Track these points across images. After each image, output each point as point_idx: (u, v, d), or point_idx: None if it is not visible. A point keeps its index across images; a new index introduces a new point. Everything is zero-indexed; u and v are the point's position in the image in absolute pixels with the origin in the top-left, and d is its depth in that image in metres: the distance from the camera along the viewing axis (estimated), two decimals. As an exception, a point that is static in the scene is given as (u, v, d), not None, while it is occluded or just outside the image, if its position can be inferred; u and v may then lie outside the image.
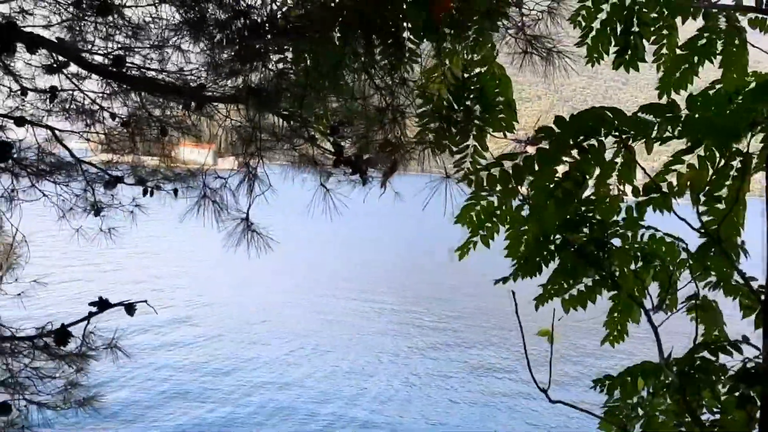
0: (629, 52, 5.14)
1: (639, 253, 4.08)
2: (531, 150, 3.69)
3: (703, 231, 3.47)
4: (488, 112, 5.15)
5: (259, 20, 4.54)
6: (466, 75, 5.03)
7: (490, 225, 4.24)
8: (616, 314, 4.22)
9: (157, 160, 6.54)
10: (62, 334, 3.74)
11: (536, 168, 3.71)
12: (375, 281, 41.37)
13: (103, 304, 3.54)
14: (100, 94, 5.89)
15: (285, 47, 4.68)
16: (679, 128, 3.43)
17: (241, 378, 21.56)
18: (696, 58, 5.03)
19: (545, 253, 4.09)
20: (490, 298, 31.94)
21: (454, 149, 4.76)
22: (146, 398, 19.43)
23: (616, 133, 3.54)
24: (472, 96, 5.03)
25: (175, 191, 6.41)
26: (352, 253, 52.27)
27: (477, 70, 5.12)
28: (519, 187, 3.92)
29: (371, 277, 43.05)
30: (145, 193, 6.33)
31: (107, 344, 4.51)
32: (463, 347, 27.69)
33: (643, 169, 3.85)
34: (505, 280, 4.20)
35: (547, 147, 3.58)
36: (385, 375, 23.19)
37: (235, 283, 36.66)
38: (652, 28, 5.06)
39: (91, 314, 3.59)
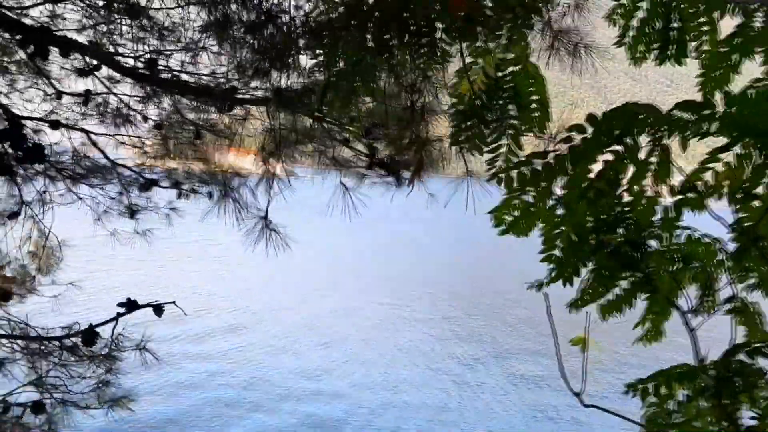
0: (672, 48, 5.04)
1: (677, 255, 3.97)
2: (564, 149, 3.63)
3: (740, 231, 3.37)
4: (522, 111, 5.08)
5: (288, 20, 4.52)
6: (499, 74, 4.96)
7: (525, 222, 4.16)
8: (651, 315, 4.11)
9: (192, 164, 6.56)
10: (90, 335, 3.75)
11: (568, 167, 3.65)
12: (417, 288, 41.25)
13: (131, 305, 3.54)
14: (134, 98, 5.93)
15: (315, 48, 4.65)
16: (716, 125, 3.34)
17: (281, 387, 21.59)
18: (736, 56, 4.90)
19: (580, 255, 4.00)
20: (534, 304, 31.55)
21: (486, 150, 4.69)
22: (187, 407, 19.62)
23: (651, 131, 3.45)
24: (505, 96, 4.96)
25: (210, 194, 6.43)
26: (394, 259, 52.29)
27: (510, 69, 5.05)
28: (552, 187, 3.86)
29: (412, 283, 42.94)
30: (179, 195, 6.37)
31: (136, 346, 4.55)
32: (505, 355, 27.41)
33: (679, 168, 3.75)
34: (539, 286, 4.13)
35: (580, 145, 3.51)
36: (421, 383, 23.02)
37: (277, 291, 37.04)
38: (692, 24, 4.95)
39: (119, 315, 3.59)
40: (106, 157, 6.16)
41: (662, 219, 3.81)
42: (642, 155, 3.53)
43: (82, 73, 5.21)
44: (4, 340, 4.55)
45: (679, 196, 3.70)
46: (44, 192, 5.90)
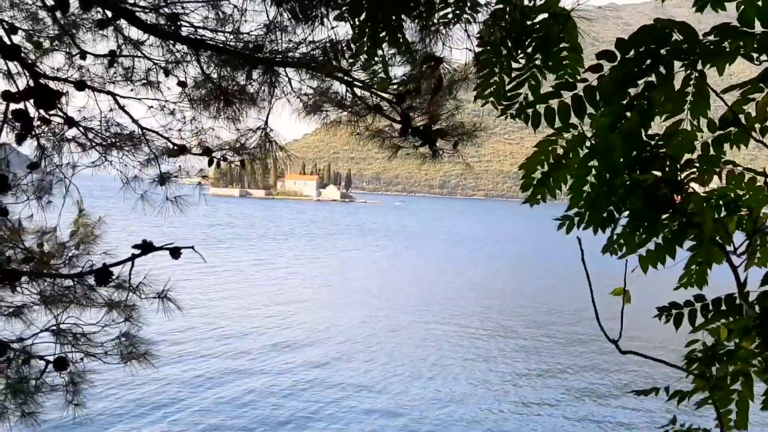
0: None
1: (721, 201, 3.72)
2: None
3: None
4: (551, 58, 4.89)
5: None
6: (528, 22, 4.81)
7: (554, 178, 3.97)
8: (695, 266, 3.87)
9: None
10: (103, 273, 3.69)
11: (598, 99, 3.48)
12: (483, 306, 41.39)
13: (147, 247, 3.46)
14: (161, 61, 5.93)
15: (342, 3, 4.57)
16: (755, 46, 3.14)
17: (346, 403, 21.59)
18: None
19: (613, 199, 3.79)
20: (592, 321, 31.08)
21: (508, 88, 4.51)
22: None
23: (685, 57, 3.26)
24: (534, 44, 4.80)
25: (242, 163, 6.39)
26: (457, 277, 52.75)
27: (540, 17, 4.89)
28: (583, 129, 3.68)
29: (477, 301, 43.03)
30: (210, 163, 6.33)
31: (157, 294, 4.51)
32: (564, 373, 26.99)
33: (720, 96, 3.54)
34: (569, 228, 3.94)
35: (609, 74, 3.34)
36: (479, 401, 22.76)
37: (349, 306, 37.68)
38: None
39: (134, 256, 3.52)
40: (135, 121, 6.16)
41: (701, 156, 3.59)
42: (677, 84, 3.35)
43: (102, 23, 5.21)
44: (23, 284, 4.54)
45: (721, 131, 3.49)
46: (74, 166, 5.93)
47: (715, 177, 3.70)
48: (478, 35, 4.72)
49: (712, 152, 3.58)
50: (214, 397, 21.25)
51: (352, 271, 57.25)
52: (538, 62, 4.91)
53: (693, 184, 3.67)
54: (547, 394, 24.08)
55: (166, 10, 5.20)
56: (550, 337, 33.80)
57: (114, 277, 4.01)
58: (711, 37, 3.18)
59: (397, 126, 5.96)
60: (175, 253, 3.59)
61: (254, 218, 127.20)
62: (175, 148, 6.25)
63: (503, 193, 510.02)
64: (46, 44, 5.67)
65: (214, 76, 5.73)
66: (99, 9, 5.00)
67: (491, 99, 4.84)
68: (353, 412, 20.79)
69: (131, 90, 6.12)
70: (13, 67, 4.95)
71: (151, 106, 6.30)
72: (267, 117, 5.88)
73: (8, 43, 4.57)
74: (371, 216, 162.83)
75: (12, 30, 5.07)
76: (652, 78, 3.34)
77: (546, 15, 4.89)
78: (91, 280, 4.15)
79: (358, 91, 5.98)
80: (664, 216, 3.77)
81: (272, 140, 6.02)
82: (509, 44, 4.89)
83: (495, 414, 21.65)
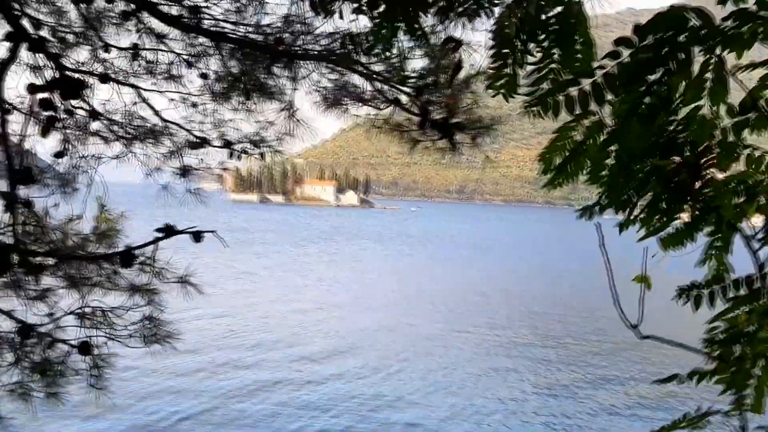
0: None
1: (742, 186, 3.73)
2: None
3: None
4: (565, 52, 4.91)
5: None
6: (543, 16, 4.83)
7: (574, 164, 3.99)
8: (713, 251, 3.87)
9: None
10: (127, 256, 3.75)
11: (617, 85, 3.49)
12: (512, 314, 41.22)
13: (169, 230, 3.52)
14: (184, 55, 6.01)
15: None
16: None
17: (378, 416, 21.57)
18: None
19: (632, 180, 3.81)
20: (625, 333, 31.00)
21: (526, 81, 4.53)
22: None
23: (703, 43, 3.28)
24: (549, 38, 4.82)
25: (262, 155, 6.45)
26: (490, 284, 52.74)
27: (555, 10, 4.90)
28: (602, 117, 3.69)
29: (507, 310, 42.83)
30: (231, 156, 6.41)
31: (179, 278, 4.58)
32: (596, 384, 26.83)
33: (739, 81, 3.55)
34: (591, 213, 3.96)
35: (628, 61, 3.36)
36: (505, 414, 22.68)
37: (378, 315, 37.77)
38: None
39: (157, 239, 3.58)
40: (157, 113, 6.24)
41: (720, 142, 3.60)
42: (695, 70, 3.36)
43: (126, 15, 5.29)
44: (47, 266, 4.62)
45: (740, 117, 3.50)
46: (99, 157, 6.03)
47: (737, 163, 3.71)
48: (492, 28, 4.75)
49: (731, 138, 3.59)
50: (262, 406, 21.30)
51: (383, 277, 57.26)
52: (555, 56, 4.92)
53: (713, 170, 3.69)
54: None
55: (187, 2, 5.28)
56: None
57: (137, 260, 4.08)
58: (729, 23, 3.20)
59: (416, 119, 6.01)
60: (198, 236, 3.64)
61: (287, 224, 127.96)
62: (197, 140, 6.33)
63: (522, 198, 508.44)
64: (71, 38, 5.76)
65: (235, 70, 5.80)
66: (122, 1, 5.08)
67: (502, 91, 4.86)
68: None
69: (153, 84, 6.21)
70: (39, 60, 5.03)
71: (173, 99, 6.38)
72: (292, 99, 5.92)
73: (34, 35, 4.66)
74: (393, 222, 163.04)
75: (37, 25, 5.18)
76: (671, 65, 3.36)
77: (561, 8, 4.93)
78: (115, 263, 4.23)
79: (377, 84, 6.02)
80: (683, 201, 3.79)
81: (298, 119, 6.08)
82: (523, 37, 4.92)
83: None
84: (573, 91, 3.76)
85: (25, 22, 4.90)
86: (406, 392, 24.00)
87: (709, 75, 3.37)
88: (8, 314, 4.82)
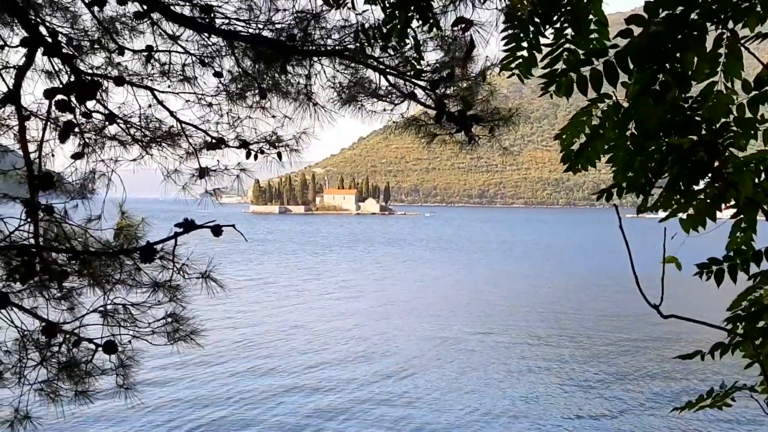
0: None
1: (762, 166, 3.68)
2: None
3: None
4: (579, 32, 4.89)
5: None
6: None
7: (592, 147, 3.97)
8: (739, 233, 3.82)
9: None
10: (148, 251, 3.78)
11: (630, 65, 3.47)
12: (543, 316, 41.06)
13: (189, 225, 3.54)
14: (197, 56, 6.05)
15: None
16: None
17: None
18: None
19: (650, 165, 3.77)
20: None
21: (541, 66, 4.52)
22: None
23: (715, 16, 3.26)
24: (562, 18, 4.81)
25: (279, 155, 6.48)
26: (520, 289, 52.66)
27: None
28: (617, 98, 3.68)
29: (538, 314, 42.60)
30: (248, 156, 6.44)
31: (201, 274, 4.61)
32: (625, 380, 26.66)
33: (754, 55, 3.53)
34: (609, 195, 3.94)
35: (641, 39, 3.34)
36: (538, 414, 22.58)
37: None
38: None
39: (177, 234, 3.60)
40: (173, 115, 6.29)
41: (737, 119, 3.56)
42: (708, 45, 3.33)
43: (139, 15, 5.33)
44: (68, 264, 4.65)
45: (756, 91, 3.47)
46: (117, 160, 6.10)
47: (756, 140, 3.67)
48: (505, 9, 4.74)
49: (748, 114, 3.55)
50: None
51: (410, 283, 57.29)
52: (569, 37, 4.90)
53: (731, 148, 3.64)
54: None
55: (199, 2, 5.32)
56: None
57: (158, 255, 4.12)
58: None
59: (432, 113, 6.00)
60: (217, 230, 3.66)
61: (307, 233, 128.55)
62: (213, 141, 6.37)
63: (543, 200, 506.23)
64: (85, 42, 5.83)
65: (249, 68, 5.84)
66: (135, 3, 5.13)
67: (517, 72, 4.83)
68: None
69: (168, 86, 6.26)
70: (54, 65, 5.09)
71: (188, 100, 6.43)
72: (307, 95, 5.95)
73: (49, 40, 4.71)
74: (414, 228, 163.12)
75: (53, 33, 5.23)
76: (684, 40, 3.33)
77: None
78: (136, 259, 4.26)
79: (391, 78, 6.04)
80: (702, 180, 3.75)
81: (315, 102, 6.10)
82: (537, 20, 4.90)
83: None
84: (586, 71, 3.74)
85: (41, 29, 4.96)
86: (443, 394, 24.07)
87: (723, 49, 3.35)
88: (33, 313, 4.87)
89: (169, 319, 5.09)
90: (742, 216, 3.77)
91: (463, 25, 4.37)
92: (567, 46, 4.43)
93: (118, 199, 5.97)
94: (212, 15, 5.35)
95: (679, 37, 3.29)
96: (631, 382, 26.27)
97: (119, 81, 5.59)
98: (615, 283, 53.12)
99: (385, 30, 4.62)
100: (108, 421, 19.18)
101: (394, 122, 6.31)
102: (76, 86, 4.53)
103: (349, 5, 4.73)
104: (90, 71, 5.71)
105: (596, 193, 4.06)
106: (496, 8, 4.79)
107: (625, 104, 3.58)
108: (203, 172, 6.48)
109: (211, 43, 5.96)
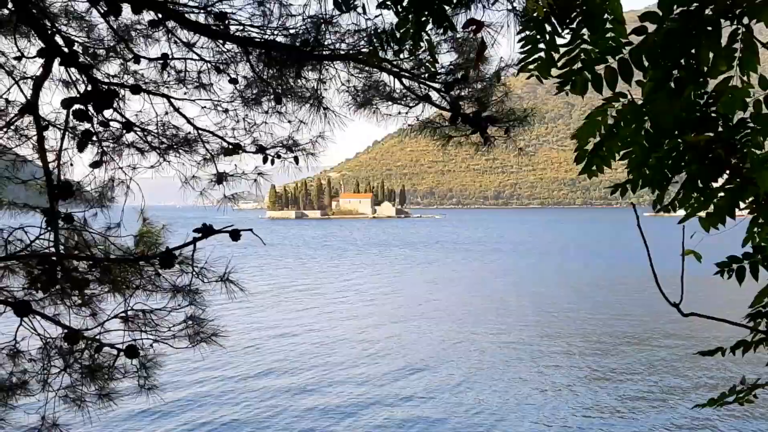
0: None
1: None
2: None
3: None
4: (595, 32, 4.88)
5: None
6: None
7: (607, 146, 3.96)
8: (757, 228, 3.80)
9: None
10: (167, 256, 3.82)
11: (644, 62, 3.47)
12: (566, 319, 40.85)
13: (207, 230, 3.57)
14: (212, 62, 6.10)
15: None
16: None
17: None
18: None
19: (667, 162, 3.76)
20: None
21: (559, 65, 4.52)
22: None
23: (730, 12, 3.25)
24: (579, 18, 4.81)
25: (296, 159, 6.52)
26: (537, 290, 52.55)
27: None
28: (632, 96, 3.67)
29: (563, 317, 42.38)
30: (265, 161, 6.49)
31: (219, 277, 4.65)
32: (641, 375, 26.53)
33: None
34: (623, 191, 3.92)
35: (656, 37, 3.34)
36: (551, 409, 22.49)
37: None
38: None
39: (196, 239, 3.63)
40: (189, 121, 6.34)
41: (753, 116, 3.54)
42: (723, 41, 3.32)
43: (154, 23, 5.38)
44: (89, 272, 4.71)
45: (771, 87, 3.45)
46: (135, 167, 6.15)
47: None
48: (521, 11, 4.75)
49: (765, 110, 3.53)
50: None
51: (424, 285, 57.21)
52: (585, 37, 4.89)
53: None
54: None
55: (214, 9, 5.36)
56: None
57: (177, 260, 4.16)
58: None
59: (447, 115, 6.02)
60: (235, 235, 3.69)
61: (323, 237, 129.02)
62: (230, 147, 6.42)
63: (560, 201, 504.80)
64: (101, 51, 5.90)
65: (264, 74, 5.87)
66: (150, 12, 5.18)
67: (535, 73, 4.83)
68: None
69: (185, 93, 6.32)
70: (71, 75, 5.15)
71: (204, 107, 6.48)
72: (322, 99, 5.98)
73: (66, 50, 4.76)
74: (430, 230, 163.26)
75: (69, 43, 5.29)
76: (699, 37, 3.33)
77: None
78: (155, 264, 4.30)
79: (406, 81, 6.06)
80: (719, 178, 3.73)
81: (326, 107, 6.13)
82: (553, 20, 4.90)
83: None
84: (601, 69, 3.74)
85: (57, 39, 5.01)
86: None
87: (738, 44, 3.33)
88: (56, 321, 4.93)
89: (190, 322, 5.14)
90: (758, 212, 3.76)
91: (474, 27, 4.37)
92: (584, 46, 4.43)
93: (136, 207, 6.01)
94: (227, 22, 5.41)
95: (694, 33, 3.28)
96: (652, 376, 26.13)
97: (136, 89, 5.64)
98: (634, 282, 52.84)
99: (398, 34, 4.65)
100: (129, 421, 19.39)
101: (409, 125, 6.33)
102: (93, 95, 4.58)
103: (359, 10, 4.74)
104: (106, 80, 5.77)
105: (611, 187, 4.04)
106: (507, 9, 4.79)
107: (640, 101, 3.58)
108: (221, 177, 6.53)
109: (225, 50, 6.01)
